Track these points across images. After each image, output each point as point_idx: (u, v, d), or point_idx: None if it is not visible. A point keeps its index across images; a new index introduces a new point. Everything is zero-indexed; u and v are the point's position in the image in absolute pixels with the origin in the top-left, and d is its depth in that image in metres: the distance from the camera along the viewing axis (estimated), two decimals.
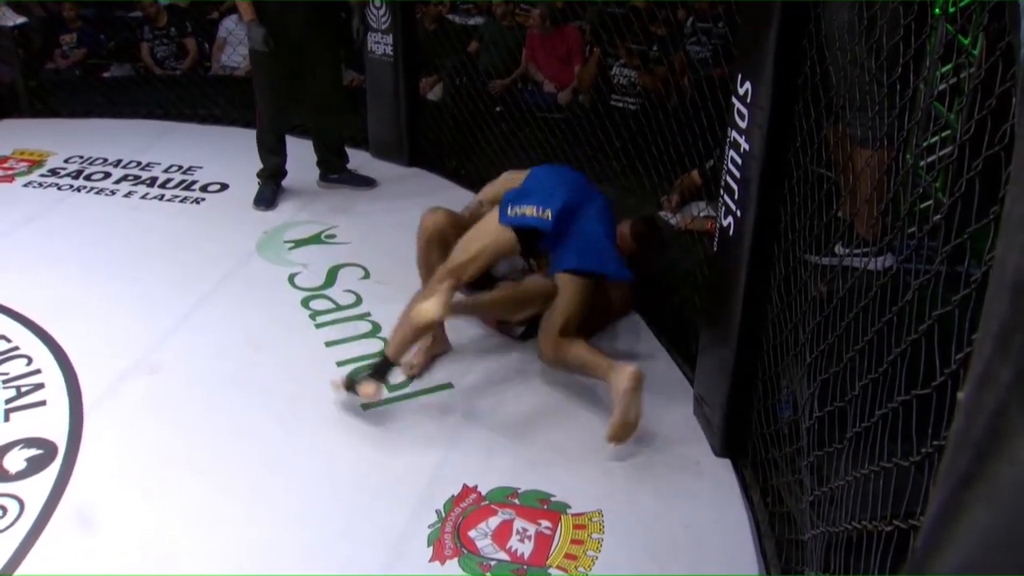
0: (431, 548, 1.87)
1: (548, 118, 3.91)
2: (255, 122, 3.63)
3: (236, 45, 5.02)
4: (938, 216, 1.19)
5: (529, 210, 2.25)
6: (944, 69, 1.85)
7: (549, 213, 2.24)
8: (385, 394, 2.33)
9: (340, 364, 2.51)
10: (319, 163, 3.76)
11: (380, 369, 2.28)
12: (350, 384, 2.28)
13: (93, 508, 1.96)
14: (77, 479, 2.05)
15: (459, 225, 2.46)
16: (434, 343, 2.51)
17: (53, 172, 3.93)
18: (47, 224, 3.44)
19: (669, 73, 3.62)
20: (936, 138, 1.97)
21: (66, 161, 4.05)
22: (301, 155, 3.74)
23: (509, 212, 2.28)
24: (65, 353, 2.54)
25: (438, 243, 2.44)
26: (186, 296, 2.87)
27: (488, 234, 2.29)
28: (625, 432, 2.11)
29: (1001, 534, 0.39)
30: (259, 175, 3.62)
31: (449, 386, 2.44)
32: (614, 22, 3.56)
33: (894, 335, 1.30)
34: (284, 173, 3.67)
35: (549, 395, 2.41)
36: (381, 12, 3.73)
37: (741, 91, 1.89)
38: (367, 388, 2.25)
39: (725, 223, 2.02)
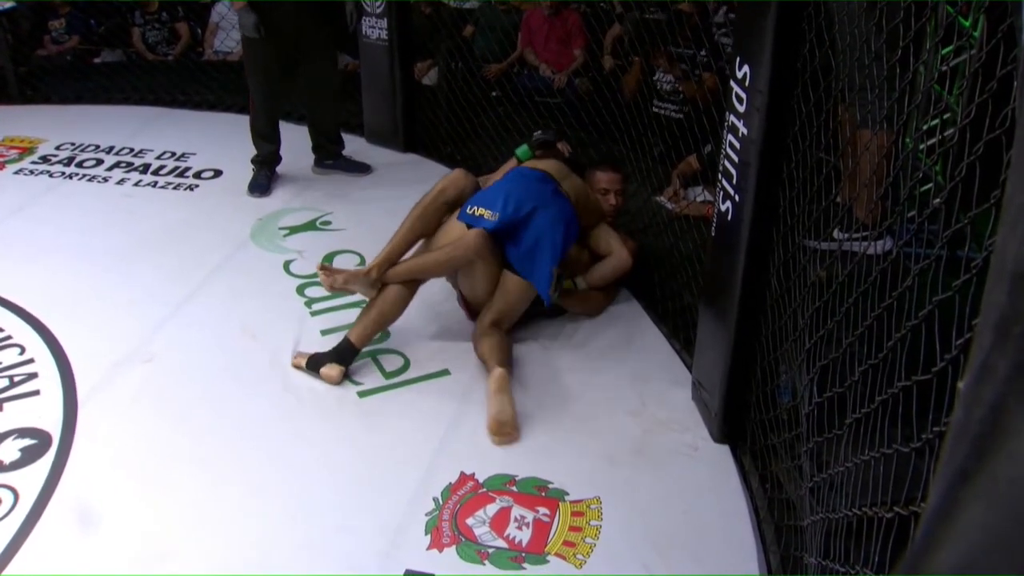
0: (428, 536, 1.86)
1: (545, 102, 3.87)
2: (248, 108, 3.59)
3: (229, 30, 4.96)
4: (938, 200, 1.18)
5: (481, 211, 2.41)
6: (945, 51, 1.83)
7: (496, 216, 2.39)
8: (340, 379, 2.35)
9: None
10: (314, 149, 3.72)
11: (343, 354, 2.36)
12: (313, 365, 2.35)
13: (88, 498, 1.95)
14: (72, 469, 2.04)
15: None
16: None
17: (44, 159, 3.89)
18: (39, 212, 3.40)
19: (719, 81, 3.52)
20: (936, 121, 1.95)
21: (57, 148, 4.00)
22: (295, 141, 3.70)
23: (467, 210, 2.43)
24: (58, 342, 2.52)
25: (451, 205, 2.51)
26: (180, 284, 2.84)
27: (452, 230, 2.46)
28: (499, 428, 2.13)
29: (999, 532, 0.38)
30: (253, 161, 3.59)
31: (446, 373, 2.42)
32: (656, 28, 3.45)
33: (894, 320, 1.29)
34: (279, 159, 3.64)
35: (546, 382, 2.40)
36: None
37: (739, 74, 1.86)
38: (330, 372, 2.32)
39: (723, 208, 2.00)
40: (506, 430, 2.13)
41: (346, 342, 2.37)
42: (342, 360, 2.35)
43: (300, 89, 3.59)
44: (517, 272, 2.43)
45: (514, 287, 2.44)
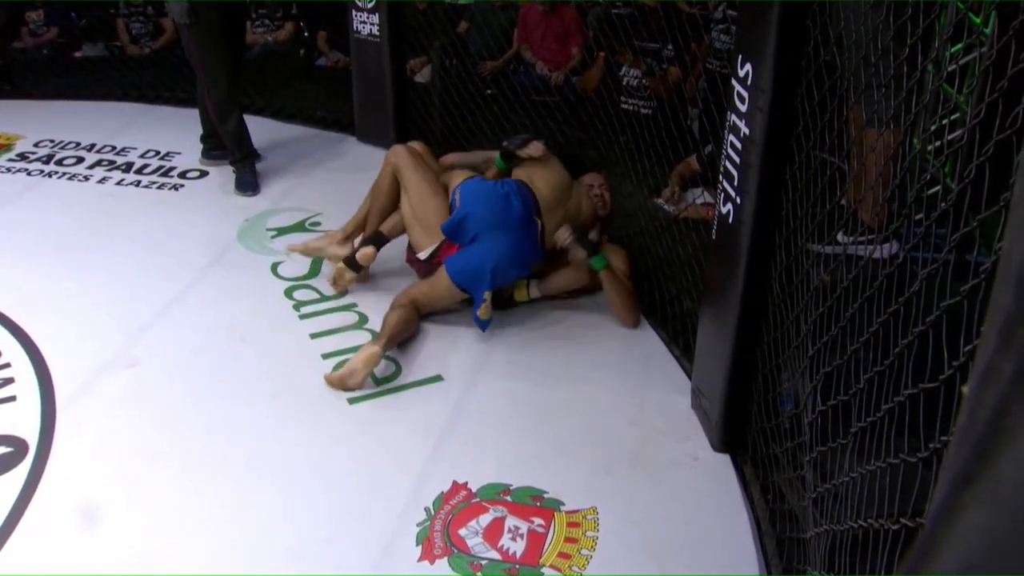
0: (420, 547, 1.81)
1: (542, 101, 3.80)
2: (208, 110, 3.44)
3: None
4: (945, 204, 1.14)
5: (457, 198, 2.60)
6: (954, 49, 1.79)
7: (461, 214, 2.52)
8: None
9: (325, 357, 2.44)
10: (203, 138, 3.63)
11: (374, 239, 2.67)
12: (351, 262, 2.65)
13: (66, 508, 1.88)
14: (49, 478, 1.96)
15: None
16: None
17: (22, 156, 3.78)
18: (16, 211, 3.31)
19: (683, 73, 3.48)
20: (945, 121, 1.92)
21: (36, 145, 3.90)
22: (279, 138, 3.63)
23: (457, 197, 2.60)
24: (36, 346, 2.43)
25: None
26: (165, 287, 2.76)
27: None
28: (338, 382, 2.26)
29: (1002, 536, 0.37)
30: (233, 162, 3.48)
31: (438, 379, 2.36)
32: (619, 23, 3.41)
33: (900, 326, 1.25)
34: (257, 154, 3.55)
35: (542, 388, 2.34)
36: None
37: (741, 73, 1.81)
38: (367, 251, 2.64)
39: (724, 210, 1.95)
40: (338, 387, 2.25)
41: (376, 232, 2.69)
42: (374, 243, 2.66)
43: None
44: (453, 280, 2.48)
45: (443, 281, 2.51)
